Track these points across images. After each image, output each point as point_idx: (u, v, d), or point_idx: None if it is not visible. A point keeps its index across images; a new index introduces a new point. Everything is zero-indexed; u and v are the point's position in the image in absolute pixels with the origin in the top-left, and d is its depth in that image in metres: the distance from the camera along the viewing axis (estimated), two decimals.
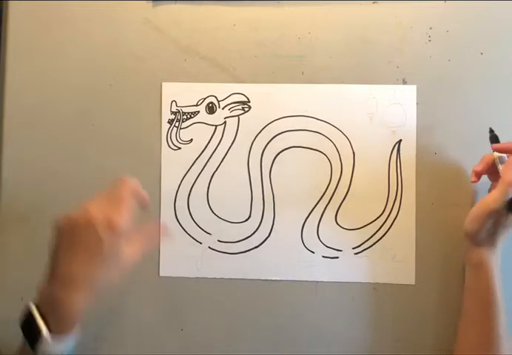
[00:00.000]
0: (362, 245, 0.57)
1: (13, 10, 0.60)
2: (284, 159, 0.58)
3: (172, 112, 0.59)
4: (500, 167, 0.52)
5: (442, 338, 0.56)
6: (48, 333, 0.45)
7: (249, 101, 0.59)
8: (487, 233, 0.51)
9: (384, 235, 0.57)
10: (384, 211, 0.57)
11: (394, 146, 0.58)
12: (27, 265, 0.57)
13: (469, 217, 0.52)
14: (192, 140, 0.59)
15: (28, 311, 0.47)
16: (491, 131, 0.55)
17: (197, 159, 0.59)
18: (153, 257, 0.58)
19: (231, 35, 0.59)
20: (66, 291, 0.46)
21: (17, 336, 0.45)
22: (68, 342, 0.46)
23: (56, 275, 0.47)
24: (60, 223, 0.47)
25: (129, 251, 0.50)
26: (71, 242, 0.47)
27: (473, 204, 0.54)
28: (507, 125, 0.57)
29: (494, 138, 0.54)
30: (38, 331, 0.45)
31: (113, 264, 0.48)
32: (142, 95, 0.59)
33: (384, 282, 0.57)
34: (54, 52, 0.60)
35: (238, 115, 0.59)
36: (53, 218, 0.47)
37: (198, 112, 0.59)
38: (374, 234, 0.57)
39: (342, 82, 0.58)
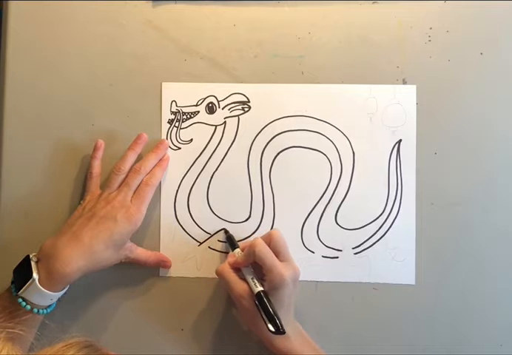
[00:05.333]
0: (362, 245, 0.57)
1: (13, 10, 0.60)
2: (284, 159, 0.58)
3: (172, 112, 0.59)
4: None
5: (441, 338, 0.56)
6: (37, 279, 0.50)
7: (249, 101, 0.59)
8: None
9: (384, 235, 0.57)
10: (384, 211, 0.57)
11: (394, 146, 0.58)
12: None
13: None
14: (192, 140, 0.59)
15: (25, 259, 0.52)
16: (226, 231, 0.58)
17: (197, 159, 0.59)
18: None
19: (231, 35, 0.59)
20: (69, 247, 0.51)
21: None
22: (50, 299, 0.49)
23: (66, 231, 0.53)
24: (91, 193, 0.56)
25: (134, 248, 0.56)
26: (92, 211, 0.53)
27: None
28: (508, 125, 0.58)
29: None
30: (29, 277, 0.50)
31: (115, 247, 0.53)
32: (142, 95, 0.59)
33: (384, 282, 0.57)
34: (54, 52, 0.60)
35: (238, 115, 0.59)
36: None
37: (198, 112, 0.59)
38: (374, 234, 0.57)
39: (342, 82, 0.58)
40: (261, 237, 0.54)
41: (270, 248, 0.52)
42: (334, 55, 0.59)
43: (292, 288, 0.51)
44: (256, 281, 0.52)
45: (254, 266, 0.53)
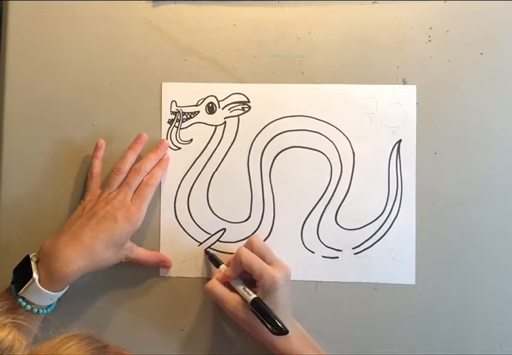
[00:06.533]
0: (362, 245, 0.57)
1: (13, 10, 0.60)
2: (284, 159, 0.58)
3: (172, 112, 0.59)
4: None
5: (441, 338, 0.56)
6: (37, 279, 0.50)
7: (249, 101, 0.59)
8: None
9: (384, 235, 0.57)
10: (384, 211, 0.57)
11: (394, 146, 0.58)
12: None
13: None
14: (191, 140, 0.59)
15: (25, 259, 0.52)
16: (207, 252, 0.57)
17: (197, 159, 0.59)
18: None
19: (231, 35, 0.59)
20: (69, 246, 0.51)
21: None
22: (50, 299, 0.49)
23: (66, 231, 0.53)
24: (92, 193, 0.55)
25: (135, 248, 0.56)
26: (92, 210, 0.53)
27: None
28: (508, 125, 0.58)
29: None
30: (29, 277, 0.50)
31: (115, 247, 0.53)
32: (142, 95, 0.59)
33: (384, 282, 0.57)
34: (54, 52, 0.60)
35: (238, 115, 0.59)
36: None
37: (198, 112, 0.59)
38: (374, 234, 0.57)
39: (342, 82, 0.58)
40: (243, 246, 0.54)
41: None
42: (334, 55, 0.59)
43: (285, 288, 0.52)
44: (248, 290, 0.52)
45: (241, 278, 0.54)
